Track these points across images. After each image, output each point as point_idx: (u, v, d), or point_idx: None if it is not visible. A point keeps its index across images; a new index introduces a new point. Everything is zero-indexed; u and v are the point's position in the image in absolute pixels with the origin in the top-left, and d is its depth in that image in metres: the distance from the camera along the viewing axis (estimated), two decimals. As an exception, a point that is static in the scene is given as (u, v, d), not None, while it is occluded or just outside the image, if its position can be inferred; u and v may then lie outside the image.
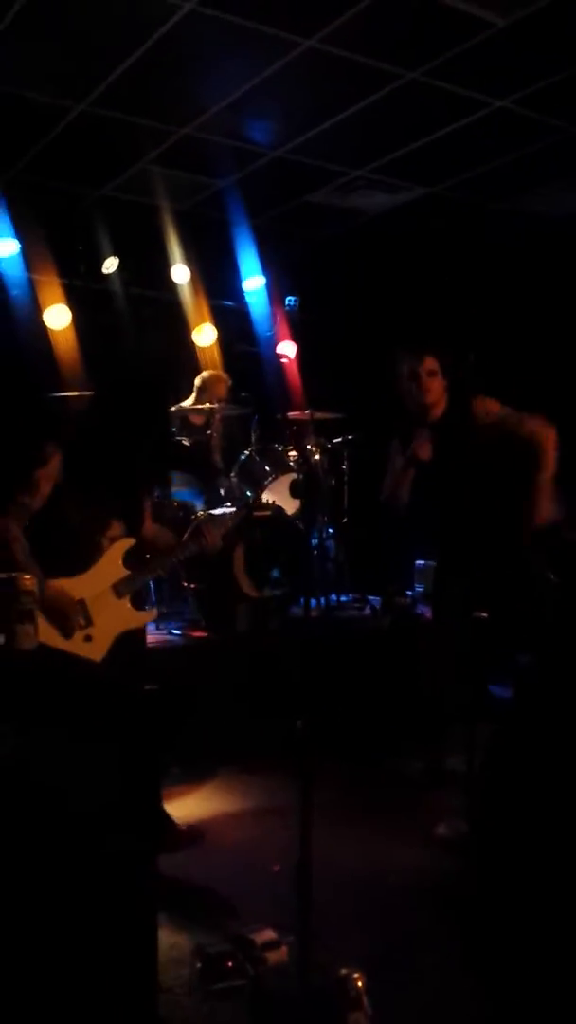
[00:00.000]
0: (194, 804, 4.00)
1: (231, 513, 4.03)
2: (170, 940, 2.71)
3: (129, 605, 3.61)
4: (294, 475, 6.13)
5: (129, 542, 3.65)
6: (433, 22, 4.36)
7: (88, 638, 3.47)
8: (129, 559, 3.64)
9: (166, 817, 3.61)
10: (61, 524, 3.51)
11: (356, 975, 2.30)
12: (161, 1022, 1.99)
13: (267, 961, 2.51)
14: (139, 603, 3.73)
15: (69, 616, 3.40)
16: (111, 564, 3.59)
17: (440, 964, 2.59)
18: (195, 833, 3.59)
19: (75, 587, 3.48)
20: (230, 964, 2.48)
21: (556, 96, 5.06)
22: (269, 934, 2.61)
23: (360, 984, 2.28)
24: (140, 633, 3.76)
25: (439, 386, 4.18)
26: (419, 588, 6.84)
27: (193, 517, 5.10)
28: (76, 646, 3.44)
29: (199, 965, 2.33)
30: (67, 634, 3.42)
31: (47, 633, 3.38)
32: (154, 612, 3.77)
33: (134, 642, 3.70)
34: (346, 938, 2.76)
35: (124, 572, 3.60)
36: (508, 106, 5.22)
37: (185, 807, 3.92)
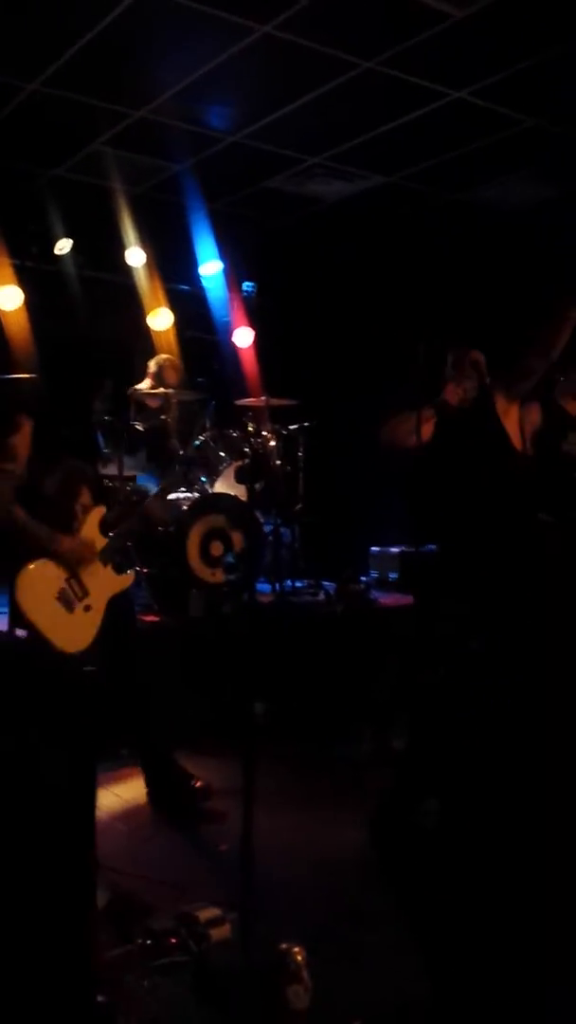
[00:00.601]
0: (144, 786, 4.02)
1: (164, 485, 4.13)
2: (114, 917, 2.73)
3: (113, 570, 3.72)
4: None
5: (102, 510, 3.74)
6: (390, 12, 4.39)
7: (88, 608, 3.60)
8: (103, 527, 3.71)
9: (184, 775, 3.78)
10: (39, 494, 3.59)
11: (296, 949, 2.35)
12: (95, 1000, 2.01)
13: (211, 937, 2.55)
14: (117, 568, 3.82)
15: (85, 561, 3.51)
16: (92, 532, 3.69)
17: (381, 939, 2.65)
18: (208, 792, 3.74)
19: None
20: (174, 941, 2.51)
21: (512, 88, 5.11)
22: (213, 911, 2.65)
23: (300, 958, 2.33)
24: (127, 595, 3.87)
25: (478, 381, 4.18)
26: (373, 574, 6.92)
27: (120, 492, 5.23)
28: (79, 618, 3.56)
29: (141, 941, 2.37)
30: (69, 608, 3.53)
31: (54, 614, 3.46)
32: (132, 575, 3.89)
33: (124, 604, 3.84)
34: (290, 914, 2.81)
35: (104, 540, 3.69)
36: (465, 97, 5.27)
37: (135, 788, 3.95)
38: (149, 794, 3.85)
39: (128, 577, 3.82)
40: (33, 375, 5.12)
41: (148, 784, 3.86)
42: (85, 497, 3.70)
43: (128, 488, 5.54)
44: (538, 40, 4.62)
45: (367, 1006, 2.30)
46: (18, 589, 3.46)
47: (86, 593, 3.58)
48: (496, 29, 4.50)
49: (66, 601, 3.55)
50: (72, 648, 3.51)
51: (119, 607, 3.70)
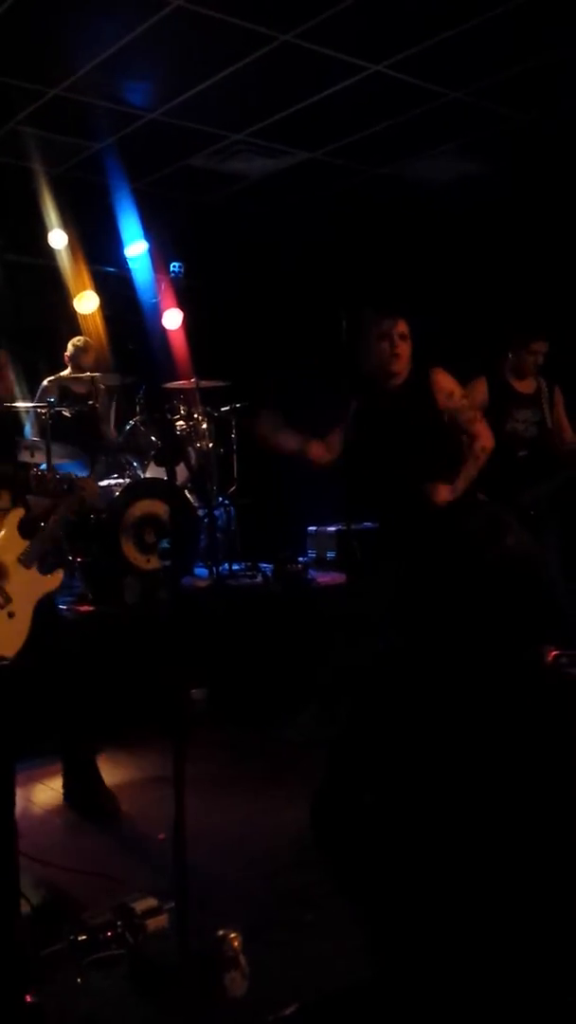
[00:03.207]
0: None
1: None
2: (49, 914, 2.69)
3: (37, 572, 3.56)
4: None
5: (20, 512, 3.57)
6: (303, -17, 4.33)
7: (11, 615, 3.42)
8: (22, 528, 3.56)
9: (99, 781, 3.67)
10: None
11: (233, 935, 2.33)
12: (24, 999, 1.96)
13: (147, 928, 2.52)
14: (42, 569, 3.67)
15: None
16: (10, 536, 3.52)
17: (321, 922, 2.64)
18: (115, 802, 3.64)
19: None
20: (109, 934, 2.47)
21: (432, 60, 5.08)
22: (150, 902, 2.62)
23: (236, 944, 2.31)
24: (50, 597, 3.71)
25: (408, 352, 4.10)
26: (312, 554, 6.92)
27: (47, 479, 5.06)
28: (2, 626, 3.38)
29: (72, 936, 2.33)
30: None
31: None
32: (60, 574, 3.69)
33: (49, 607, 3.69)
34: (230, 900, 2.80)
35: (24, 543, 3.53)
36: (384, 70, 5.22)
37: (72, 781, 3.89)
38: (64, 795, 3.73)
39: (56, 577, 3.65)
40: None
41: (64, 786, 3.74)
42: (3, 500, 3.55)
43: (58, 475, 5.43)
44: (454, 12, 4.60)
45: (305, 990, 2.28)
46: None
47: (8, 599, 3.41)
48: (412, 1, 4.46)
49: None
50: None
51: (46, 609, 3.57)
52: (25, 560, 3.49)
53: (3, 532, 3.50)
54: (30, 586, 3.50)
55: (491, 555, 1.64)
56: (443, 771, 1.66)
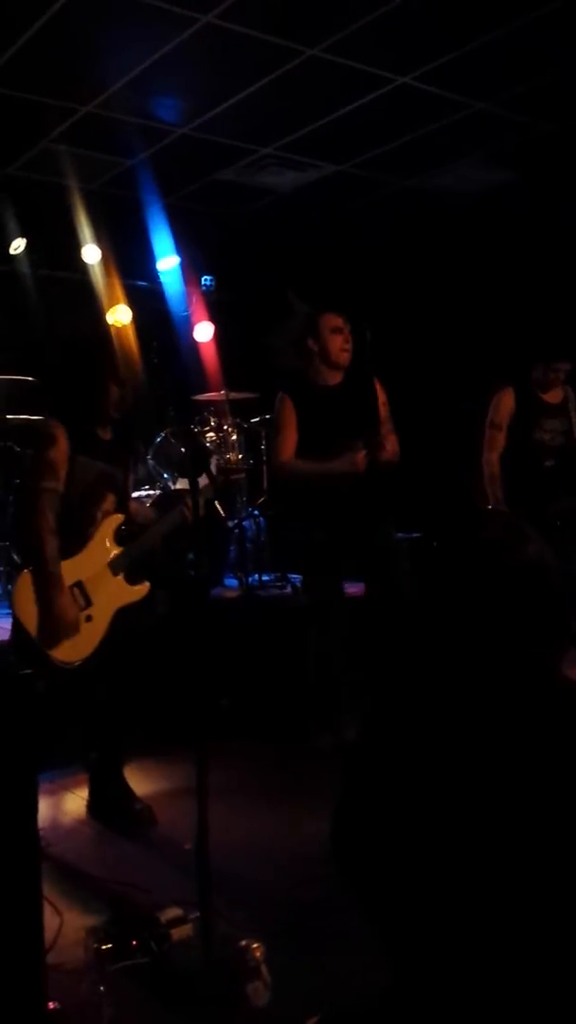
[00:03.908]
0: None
1: (206, 485, 3.89)
2: (76, 923, 2.72)
3: (124, 581, 3.57)
4: (212, 457, 6.13)
5: (119, 518, 3.59)
6: (329, -3, 4.37)
7: (89, 618, 3.45)
8: (118, 535, 3.59)
9: (126, 795, 3.64)
10: (64, 496, 3.43)
11: (255, 945, 2.34)
12: (46, 1008, 1.99)
13: (172, 937, 2.53)
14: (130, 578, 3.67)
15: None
16: (104, 541, 3.53)
17: (344, 932, 2.63)
18: (149, 815, 3.60)
19: (73, 568, 3.43)
20: (134, 943, 2.49)
21: (457, 71, 5.11)
22: (175, 911, 2.63)
23: (259, 954, 2.32)
24: (136, 607, 3.68)
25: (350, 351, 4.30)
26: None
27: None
28: (80, 626, 3.41)
29: (97, 945, 2.35)
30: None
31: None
32: (146, 586, 3.67)
33: (132, 617, 3.65)
34: (254, 910, 2.81)
35: (117, 549, 3.55)
36: (410, 82, 5.26)
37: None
38: (88, 804, 3.72)
39: (141, 589, 3.62)
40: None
41: (90, 794, 3.73)
42: (108, 503, 3.56)
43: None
44: (479, 24, 4.62)
45: (327, 1000, 2.28)
46: (16, 588, 3.35)
47: (89, 603, 3.43)
48: (437, 13, 4.50)
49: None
50: (65, 657, 3.37)
51: (125, 620, 3.55)
52: (114, 566, 3.50)
53: (99, 535, 3.52)
54: (114, 593, 3.51)
55: (512, 563, 1.64)
56: (459, 783, 1.66)
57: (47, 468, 3.38)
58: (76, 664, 3.39)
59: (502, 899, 1.66)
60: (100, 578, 3.49)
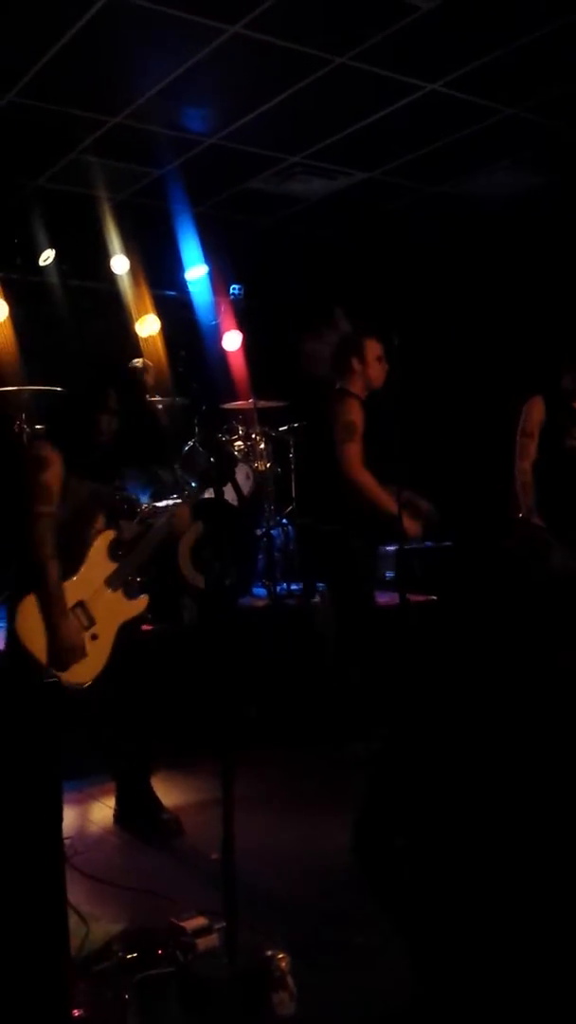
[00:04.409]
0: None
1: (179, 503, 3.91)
2: (103, 931, 2.71)
3: (123, 596, 3.59)
4: (240, 464, 6.14)
5: (111, 534, 3.60)
6: (357, 6, 4.37)
7: (95, 636, 3.46)
8: (112, 551, 3.60)
9: (154, 804, 3.65)
10: (58, 518, 3.43)
11: (280, 956, 2.32)
12: (70, 1014, 1.98)
13: (197, 947, 2.51)
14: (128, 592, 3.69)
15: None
16: (100, 558, 3.54)
17: (370, 944, 2.61)
18: (177, 825, 3.61)
19: (74, 589, 3.45)
20: (160, 952, 2.48)
21: (485, 78, 5.09)
22: (201, 921, 2.61)
23: (284, 965, 2.30)
24: (138, 621, 3.73)
25: None
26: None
27: (139, 509, 5.09)
28: (87, 647, 3.42)
29: (122, 954, 2.34)
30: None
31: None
32: (145, 599, 3.69)
33: (135, 631, 3.70)
34: (280, 920, 2.78)
35: (112, 565, 3.57)
36: (439, 89, 5.24)
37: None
38: (115, 814, 3.73)
39: (141, 602, 3.65)
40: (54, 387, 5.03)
41: (117, 804, 3.74)
42: (100, 522, 3.58)
43: (118, 497, 5.49)
44: (506, 29, 4.61)
45: (353, 1011, 2.26)
46: (19, 616, 3.34)
47: (92, 622, 3.44)
48: (464, 20, 4.49)
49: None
50: (76, 679, 3.38)
51: (130, 633, 3.57)
52: (111, 583, 3.51)
53: (92, 554, 3.52)
54: (114, 609, 3.52)
55: (536, 573, 1.62)
56: (485, 794, 1.63)
57: (42, 492, 3.37)
58: (88, 684, 3.40)
59: (527, 909, 1.64)
60: (100, 596, 3.50)
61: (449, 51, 4.84)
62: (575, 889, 1.62)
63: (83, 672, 3.40)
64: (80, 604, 3.45)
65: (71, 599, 3.41)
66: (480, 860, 1.68)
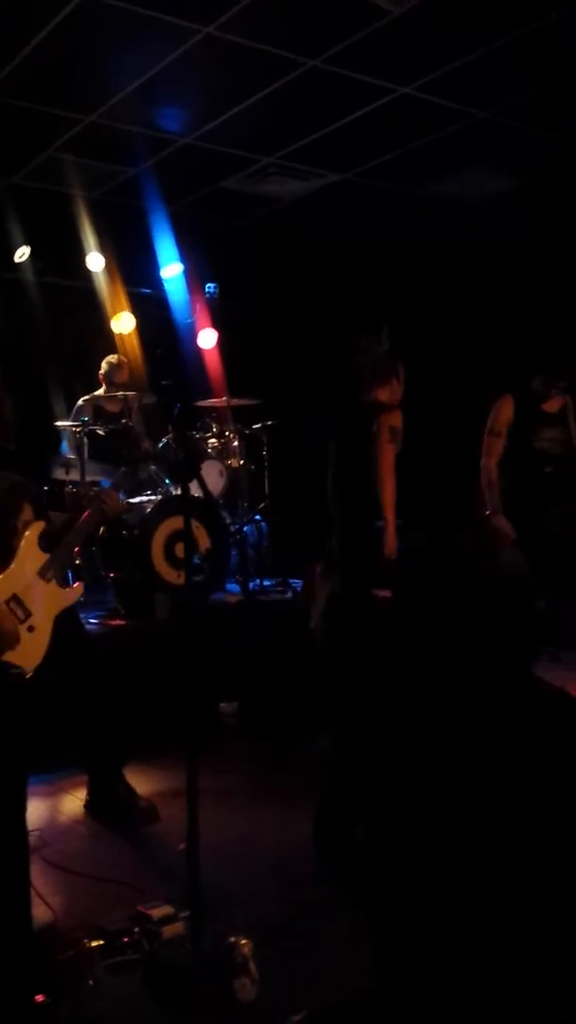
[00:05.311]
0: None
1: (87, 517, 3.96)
2: (69, 920, 2.75)
3: (56, 586, 3.62)
4: (214, 461, 6.19)
5: (41, 525, 3.61)
6: (328, 10, 4.42)
7: (31, 628, 3.46)
8: (42, 542, 3.62)
9: (129, 792, 3.70)
10: None
11: (244, 942, 2.37)
12: (34, 1000, 2.02)
13: (163, 935, 2.56)
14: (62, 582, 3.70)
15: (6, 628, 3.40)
16: (31, 550, 3.55)
17: (333, 931, 2.67)
18: (154, 812, 3.65)
19: (6, 582, 3.45)
20: (126, 939, 2.52)
21: (456, 82, 5.15)
22: (167, 909, 2.66)
23: (247, 951, 2.35)
24: (72, 609, 3.75)
25: None
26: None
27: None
28: (23, 639, 3.42)
29: (87, 941, 2.38)
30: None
31: None
32: (79, 586, 3.73)
33: (71, 619, 3.71)
34: (246, 909, 2.84)
35: (44, 556, 3.59)
36: (412, 92, 5.30)
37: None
38: (87, 804, 3.78)
39: (75, 590, 3.69)
40: None
41: (89, 794, 3.78)
42: (27, 513, 3.57)
43: (76, 492, 5.53)
44: (475, 34, 4.66)
45: (315, 997, 2.31)
46: None
47: (28, 613, 3.44)
48: (434, 24, 4.54)
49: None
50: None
51: (67, 622, 3.60)
52: (44, 574, 3.54)
53: (24, 545, 3.54)
54: (50, 599, 3.54)
55: (485, 571, 1.68)
56: (438, 782, 1.69)
57: None
58: (28, 674, 3.42)
59: (480, 895, 1.70)
60: (33, 587, 3.51)
61: (420, 55, 4.89)
62: (532, 874, 1.68)
63: (21, 663, 3.40)
64: (14, 597, 3.44)
65: (5, 593, 3.41)
66: (437, 846, 1.73)
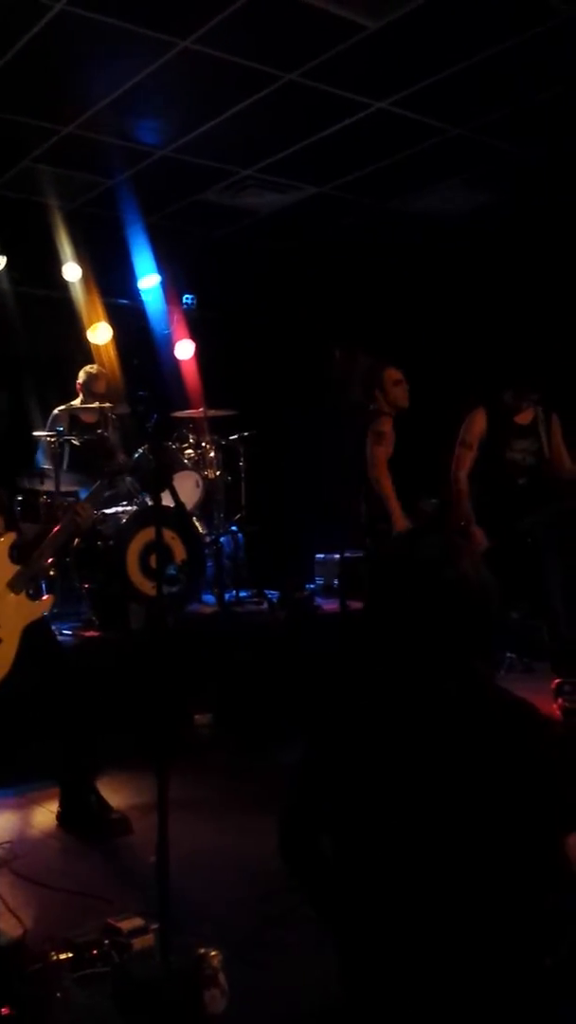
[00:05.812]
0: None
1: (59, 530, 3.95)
2: (39, 933, 2.73)
3: (26, 598, 3.60)
4: (190, 472, 6.19)
5: (12, 536, 3.61)
6: (304, 25, 4.44)
7: None
8: (13, 553, 3.61)
9: (101, 804, 3.68)
10: None
11: (213, 953, 2.37)
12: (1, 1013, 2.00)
13: (132, 947, 2.55)
14: (33, 594, 3.71)
15: None
16: (1, 563, 3.56)
17: (303, 943, 2.66)
18: (126, 824, 3.63)
19: None
20: (95, 952, 2.51)
21: (433, 98, 5.19)
22: (137, 921, 2.65)
23: (216, 963, 2.34)
24: (43, 621, 3.74)
25: None
26: (319, 581, 6.96)
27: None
28: None
29: (56, 954, 2.37)
30: None
31: None
32: (50, 598, 3.75)
33: (41, 631, 3.70)
34: (216, 921, 2.83)
35: (14, 568, 3.57)
36: (387, 107, 5.34)
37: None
38: (59, 816, 3.75)
39: (44, 603, 3.69)
40: None
41: (61, 806, 3.75)
42: None
43: (49, 504, 5.51)
44: (451, 51, 4.71)
45: (283, 1008, 2.31)
46: None
47: None
48: (410, 40, 4.58)
49: None
50: None
51: (37, 634, 3.60)
52: (14, 585, 3.53)
53: None
54: (19, 611, 3.53)
55: (444, 579, 1.69)
56: (396, 789, 1.70)
57: None
58: None
59: (448, 903, 1.70)
60: (3, 600, 3.51)
61: (396, 70, 4.94)
62: (494, 884, 1.68)
63: None
64: None
65: None
66: (400, 855, 1.73)
